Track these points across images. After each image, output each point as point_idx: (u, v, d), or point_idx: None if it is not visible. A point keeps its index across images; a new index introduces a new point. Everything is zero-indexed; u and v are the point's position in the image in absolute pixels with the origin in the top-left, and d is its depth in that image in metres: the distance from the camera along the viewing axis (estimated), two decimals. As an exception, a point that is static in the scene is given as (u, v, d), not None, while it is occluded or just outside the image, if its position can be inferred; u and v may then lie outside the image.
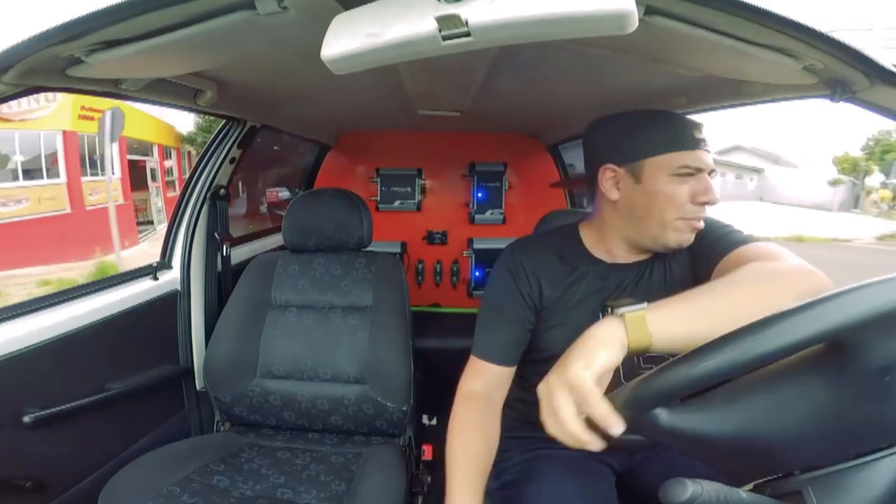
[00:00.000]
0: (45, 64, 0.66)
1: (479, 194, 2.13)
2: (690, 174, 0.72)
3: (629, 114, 0.78)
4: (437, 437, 1.51)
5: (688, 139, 0.72)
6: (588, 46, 0.77)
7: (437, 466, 1.10)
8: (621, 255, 0.82)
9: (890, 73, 0.56)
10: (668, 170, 0.72)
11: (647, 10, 0.53)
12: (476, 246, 2.11)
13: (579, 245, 0.84)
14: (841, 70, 0.60)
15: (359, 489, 0.96)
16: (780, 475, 0.41)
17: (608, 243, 0.82)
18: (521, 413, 0.92)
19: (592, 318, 0.78)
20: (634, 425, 0.46)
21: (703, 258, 0.78)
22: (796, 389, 0.39)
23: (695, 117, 0.81)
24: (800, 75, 0.65)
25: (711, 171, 0.74)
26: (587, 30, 0.46)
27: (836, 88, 0.65)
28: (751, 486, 0.43)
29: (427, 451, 1.32)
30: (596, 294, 0.81)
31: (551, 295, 0.81)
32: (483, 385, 0.81)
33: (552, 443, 0.84)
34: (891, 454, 0.37)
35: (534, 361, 0.85)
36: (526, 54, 0.89)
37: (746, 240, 0.75)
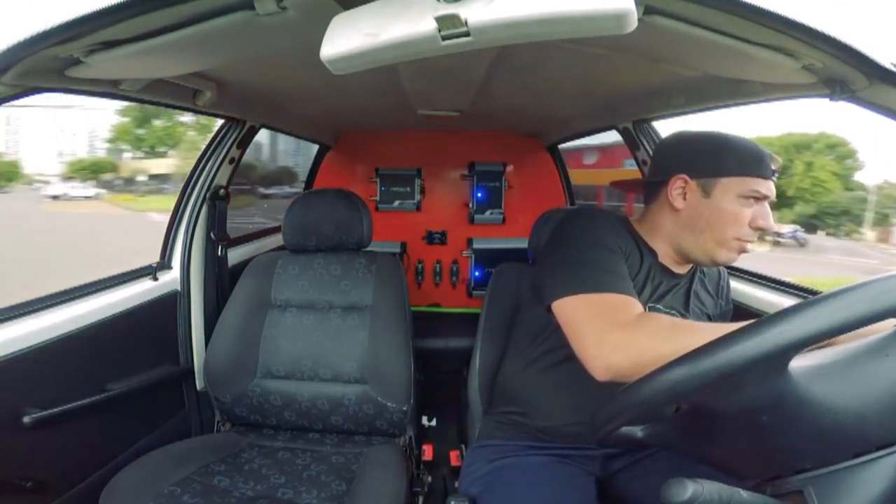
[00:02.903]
0: (44, 64, 0.66)
1: (479, 194, 2.13)
2: (757, 199, 0.76)
3: (712, 133, 0.81)
4: (437, 437, 1.52)
5: (766, 168, 0.76)
6: (587, 46, 0.77)
7: (437, 466, 1.10)
8: (669, 261, 0.85)
9: (889, 72, 0.56)
10: (740, 191, 0.76)
11: (647, 10, 0.53)
12: (476, 246, 2.11)
13: (640, 238, 0.85)
14: (840, 69, 0.60)
15: (359, 489, 0.96)
16: (780, 475, 0.41)
17: (660, 247, 0.84)
18: (506, 401, 0.92)
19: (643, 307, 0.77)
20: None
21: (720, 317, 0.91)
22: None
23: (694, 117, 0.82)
24: (799, 74, 0.65)
25: (772, 201, 0.78)
26: (586, 29, 0.46)
27: (836, 88, 0.65)
28: (751, 485, 0.43)
29: (427, 451, 1.32)
30: (645, 287, 0.82)
31: (630, 272, 0.79)
32: (637, 307, 0.69)
33: (521, 449, 0.85)
34: (891, 454, 0.37)
35: (556, 342, 0.80)
36: (525, 54, 0.89)
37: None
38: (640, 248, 0.84)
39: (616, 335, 0.63)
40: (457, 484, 0.89)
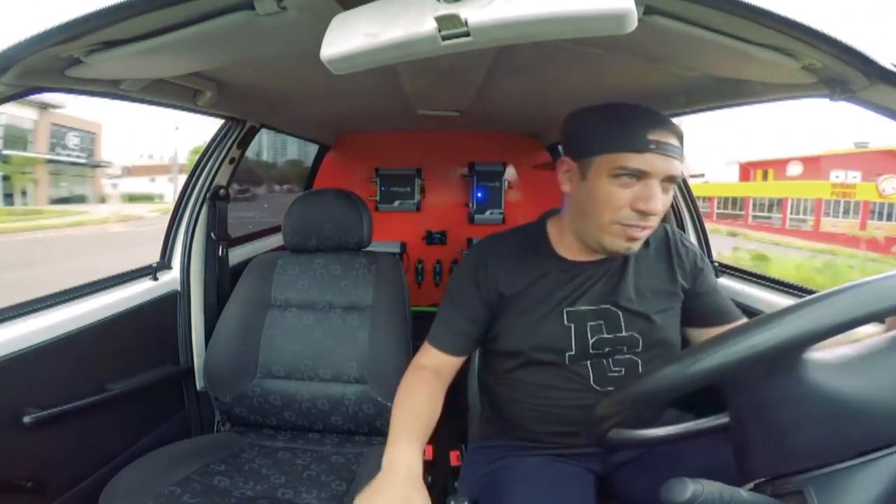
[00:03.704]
0: (45, 64, 0.66)
1: (479, 194, 2.13)
2: (634, 177, 0.69)
3: (595, 108, 0.75)
4: (437, 437, 1.51)
5: (635, 141, 0.67)
6: (587, 46, 0.77)
7: (438, 466, 1.10)
8: (583, 251, 0.80)
9: (889, 72, 0.56)
10: (608, 170, 0.69)
11: (647, 10, 0.53)
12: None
13: (545, 241, 0.83)
14: (840, 69, 0.60)
15: (359, 489, 0.95)
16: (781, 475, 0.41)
17: (568, 239, 0.81)
18: (492, 407, 0.92)
19: (552, 318, 0.78)
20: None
21: (700, 309, 0.84)
22: None
23: (695, 117, 0.81)
24: (799, 75, 0.65)
25: (671, 178, 0.70)
26: (586, 29, 0.46)
27: (835, 88, 0.65)
28: (751, 485, 0.43)
29: (427, 451, 1.32)
30: (556, 292, 0.79)
31: (511, 290, 0.80)
32: (431, 364, 0.84)
33: (520, 450, 0.85)
34: (891, 454, 0.37)
35: (497, 353, 0.85)
36: (525, 54, 0.89)
37: (739, 315, 0.82)
38: (537, 254, 0.82)
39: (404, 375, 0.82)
40: (456, 484, 0.89)
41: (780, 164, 18.77)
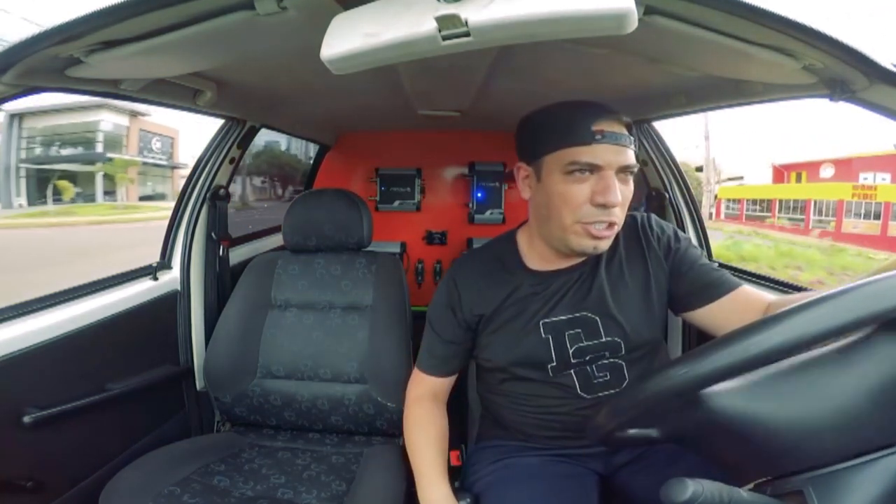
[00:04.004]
0: (45, 64, 0.66)
1: (479, 194, 2.13)
2: (587, 171, 0.67)
3: (542, 108, 0.73)
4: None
5: (581, 132, 0.65)
6: (588, 46, 0.77)
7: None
8: (553, 259, 0.78)
9: (889, 72, 0.56)
10: (560, 167, 0.68)
11: (647, 10, 0.53)
12: (476, 246, 2.11)
13: (515, 254, 0.82)
14: (840, 69, 0.60)
15: (359, 489, 0.96)
16: (782, 475, 0.41)
17: (538, 249, 0.79)
18: (489, 412, 0.92)
19: (529, 332, 0.78)
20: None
21: (694, 287, 0.77)
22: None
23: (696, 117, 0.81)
24: (799, 75, 0.65)
25: (627, 168, 0.68)
26: (587, 29, 0.46)
27: (836, 88, 0.65)
28: (751, 485, 0.43)
29: None
30: (530, 305, 0.78)
31: (487, 308, 0.80)
32: (426, 391, 0.88)
33: (520, 450, 0.85)
34: (891, 454, 0.37)
35: (484, 367, 0.86)
36: (525, 54, 0.89)
37: (737, 283, 0.77)
38: (507, 269, 0.80)
39: (405, 405, 0.88)
40: (457, 484, 0.89)
41: (813, 167, 18.49)
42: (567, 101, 0.72)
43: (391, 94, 1.28)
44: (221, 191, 1.36)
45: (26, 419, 0.84)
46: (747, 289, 0.77)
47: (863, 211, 15.98)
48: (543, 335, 0.77)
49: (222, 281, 1.38)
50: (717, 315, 0.76)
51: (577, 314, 0.77)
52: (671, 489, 0.36)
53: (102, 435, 1.02)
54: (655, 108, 1.21)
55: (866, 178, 16.42)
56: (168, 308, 1.25)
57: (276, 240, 1.87)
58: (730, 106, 0.99)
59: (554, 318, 0.77)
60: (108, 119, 17.57)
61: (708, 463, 0.49)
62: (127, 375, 1.08)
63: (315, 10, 0.56)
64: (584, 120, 0.66)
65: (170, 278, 1.27)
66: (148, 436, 1.13)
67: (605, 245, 0.71)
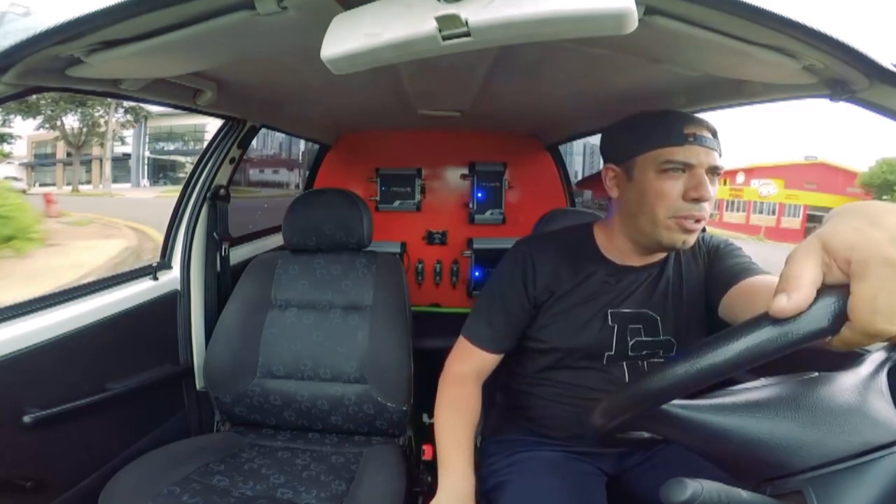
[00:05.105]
0: (45, 64, 0.66)
1: (479, 194, 2.13)
2: (680, 170, 0.72)
3: (632, 115, 0.79)
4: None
5: (675, 135, 0.72)
6: (588, 46, 0.77)
7: (437, 466, 1.10)
8: (631, 256, 0.83)
9: (889, 72, 0.56)
10: (655, 166, 0.73)
11: (647, 10, 0.53)
12: (476, 246, 2.11)
13: (591, 244, 0.85)
14: (841, 70, 0.60)
15: (359, 489, 0.96)
16: (782, 475, 0.41)
17: (617, 243, 0.83)
18: (510, 402, 0.92)
19: (596, 318, 0.80)
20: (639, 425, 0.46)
21: (717, 278, 0.79)
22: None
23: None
24: (799, 75, 0.65)
25: (714, 169, 0.73)
26: (587, 29, 0.46)
27: (836, 88, 0.65)
28: (751, 485, 0.43)
29: (427, 451, 1.31)
30: (602, 294, 0.81)
31: (557, 290, 0.82)
32: (472, 368, 0.84)
33: (537, 445, 0.85)
34: (891, 454, 0.37)
35: (533, 350, 0.86)
36: (526, 54, 0.89)
37: (758, 270, 0.77)
38: (584, 256, 0.83)
39: (443, 380, 0.85)
40: None
41: (732, 174, 23.47)
42: (656, 110, 0.78)
43: (391, 94, 1.28)
44: (222, 191, 1.36)
45: (26, 419, 0.84)
46: (761, 277, 0.75)
47: (736, 207, 22.96)
48: (610, 323, 0.80)
49: (222, 281, 1.38)
50: (733, 306, 0.75)
51: (642, 310, 0.81)
52: (671, 489, 0.36)
53: (102, 435, 1.02)
54: (656, 109, 1.21)
55: (759, 182, 22.56)
56: (168, 308, 1.25)
57: (277, 240, 1.87)
58: (730, 106, 0.99)
59: (622, 310, 0.81)
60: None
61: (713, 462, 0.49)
62: (127, 375, 1.08)
63: (315, 10, 0.56)
64: (677, 124, 0.73)
65: (170, 278, 1.27)
66: (148, 435, 1.13)
67: (692, 240, 0.75)
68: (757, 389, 0.43)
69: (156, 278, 1.23)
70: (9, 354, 0.83)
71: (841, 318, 0.30)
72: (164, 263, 1.28)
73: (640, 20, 0.47)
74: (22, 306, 0.92)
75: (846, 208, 0.33)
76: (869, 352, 0.47)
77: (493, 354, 0.85)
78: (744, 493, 0.38)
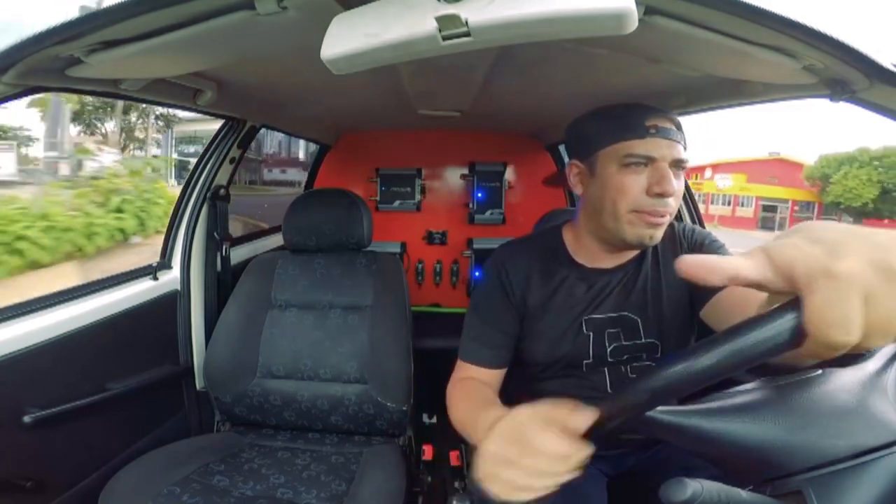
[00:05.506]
0: (45, 64, 0.66)
1: (479, 194, 2.13)
2: (642, 164, 0.70)
3: (593, 110, 0.77)
4: (438, 436, 1.52)
5: (636, 127, 0.69)
6: (588, 46, 0.77)
7: (437, 466, 1.10)
8: (601, 257, 0.80)
9: (890, 72, 0.56)
10: (616, 160, 0.71)
11: (647, 10, 0.53)
12: (476, 246, 2.11)
13: (562, 248, 0.83)
14: (840, 70, 0.60)
15: (359, 489, 0.96)
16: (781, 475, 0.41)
17: (585, 244, 0.81)
18: (507, 407, 0.91)
19: (571, 329, 0.78)
20: (635, 425, 0.46)
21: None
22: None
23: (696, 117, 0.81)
24: (799, 75, 0.65)
25: (679, 162, 0.71)
26: (587, 29, 0.46)
27: (836, 88, 0.65)
28: (751, 485, 0.43)
29: (427, 451, 1.32)
30: (575, 302, 0.79)
31: (533, 301, 0.80)
32: (474, 376, 0.81)
33: None
34: (891, 454, 0.37)
35: (516, 363, 0.85)
36: (526, 54, 0.89)
37: None
38: (555, 261, 0.81)
39: (448, 390, 0.79)
40: (457, 484, 0.89)
41: (701, 169, 25.85)
42: (618, 102, 0.75)
43: (391, 94, 1.28)
44: (222, 191, 1.36)
45: (26, 419, 0.84)
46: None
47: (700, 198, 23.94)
48: (585, 331, 0.78)
49: (222, 281, 1.38)
50: (720, 311, 0.72)
51: (620, 314, 0.79)
52: (670, 489, 0.36)
53: (102, 434, 1.02)
54: (655, 108, 1.21)
55: (720, 177, 24.81)
56: (168, 308, 1.25)
57: (277, 240, 1.87)
58: (730, 106, 0.99)
59: (597, 316, 0.79)
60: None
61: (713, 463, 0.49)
62: (127, 375, 1.08)
63: (315, 10, 0.56)
64: (638, 116, 0.70)
65: (170, 278, 1.27)
66: (148, 435, 1.13)
67: (658, 235, 0.72)
68: (749, 392, 0.43)
69: (156, 278, 1.23)
70: (9, 354, 0.83)
71: (801, 331, 0.31)
72: (164, 263, 1.28)
73: (639, 20, 0.47)
74: (22, 306, 0.92)
75: (792, 229, 0.34)
76: None
77: (493, 370, 0.82)
78: (744, 493, 0.38)
